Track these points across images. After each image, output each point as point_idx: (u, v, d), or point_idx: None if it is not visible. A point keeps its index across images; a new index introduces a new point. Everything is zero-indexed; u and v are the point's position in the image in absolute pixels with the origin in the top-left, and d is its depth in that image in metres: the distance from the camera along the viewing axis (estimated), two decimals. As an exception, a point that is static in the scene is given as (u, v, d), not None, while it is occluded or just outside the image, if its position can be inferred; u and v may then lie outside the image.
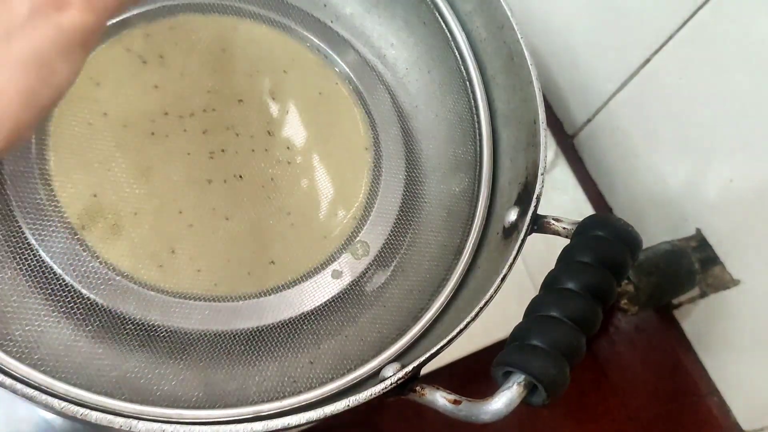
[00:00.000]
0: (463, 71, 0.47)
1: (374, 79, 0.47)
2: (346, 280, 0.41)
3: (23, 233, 0.35)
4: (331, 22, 0.49)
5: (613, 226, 0.37)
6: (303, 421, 0.32)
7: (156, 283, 0.37)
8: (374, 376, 0.35)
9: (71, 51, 0.25)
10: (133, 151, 0.39)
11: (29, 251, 0.35)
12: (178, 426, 0.30)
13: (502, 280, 0.37)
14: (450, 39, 0.48)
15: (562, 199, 0.58)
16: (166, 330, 0.36)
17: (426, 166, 0.48)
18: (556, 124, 0.62)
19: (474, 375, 0.47)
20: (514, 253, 0.38)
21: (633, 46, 0.51)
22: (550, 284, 0.35)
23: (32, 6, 0.24)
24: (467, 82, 0.47)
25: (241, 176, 0.41)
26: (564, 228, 0.39)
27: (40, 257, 0.35)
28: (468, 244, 0.41)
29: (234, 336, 0.38)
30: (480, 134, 0.46)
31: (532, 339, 0.32)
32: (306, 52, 0.47)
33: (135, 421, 0.30)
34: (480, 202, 0.43)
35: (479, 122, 0.46)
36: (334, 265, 0.41)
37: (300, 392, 0.35)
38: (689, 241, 0.50)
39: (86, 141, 0.38)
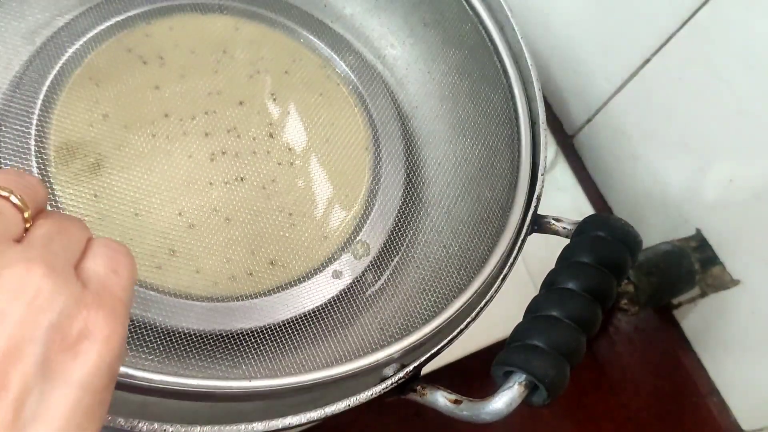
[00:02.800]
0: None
1: (374, 80, 0.48)
2: (347, 280, 0.41)
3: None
4: (331, 22, 0.49)
5: (613, 227, 0.37)
6: (303, 421, 0.32)
7: (155, 283, 0.37)
8: (375, 376, 0.35)
9: (97, 408, 0.20)
10: (133, 152, 0.39)
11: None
12: (179, 425, 0.30)
13: (503, 280, 0.37)
14: (452, 39, 0.48)
15: (562, 199, 0.58)
16: (164, 329, 0.36)
17: (426, 166, 0.48)
18: (556, 124, 0.62)
19: (474, 374, 0.47)
20: (514, 253, 0.38)
21: (633, 46, 0.51)
22: (550, 284, 0.35)
23: (43, 371, 0.19)
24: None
25: (242, 178, 0.41)
26: (564, 228, 0.39)
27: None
28: (498, 251, 0.38)
29: (234, 336, 0.38)
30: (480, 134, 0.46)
31: (532, 339, 0.32)
32: (306, 53, 0.47)
33: (136, 421, 0.30)
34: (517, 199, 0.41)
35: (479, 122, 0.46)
36: (335, 265, 0.41)
37: (300, 393, 0.35)
38: (689, 241, 0.50)
39: (86, 143, 0.38)
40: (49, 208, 0.29)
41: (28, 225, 0.22)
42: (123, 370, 0.29)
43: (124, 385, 0.30)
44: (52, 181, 0.37)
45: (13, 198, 0.22)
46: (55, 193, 0.37)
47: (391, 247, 0.43)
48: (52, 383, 0.19)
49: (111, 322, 0.21)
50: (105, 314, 0.21)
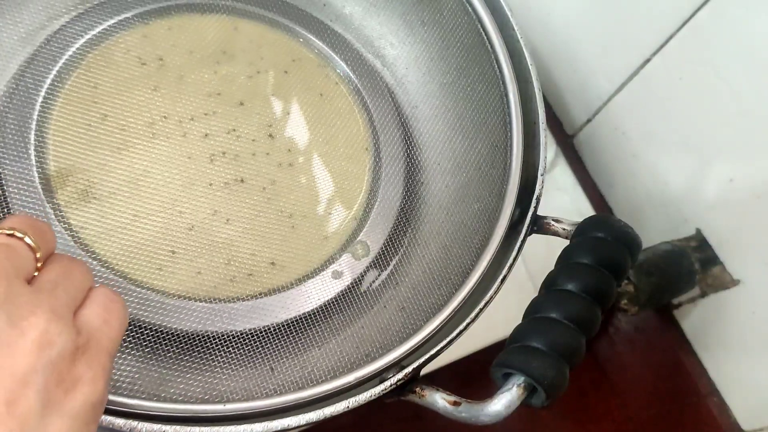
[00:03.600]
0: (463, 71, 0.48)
1: (374, 79, 0.48)
2: (347, 280, 0.41)
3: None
4: (331, 22, 0.49)
5: (613, 227, 0.37)
6: (303, 422, 0.32)
7: (155, 284, 0.37)
8: (374, 378, 0.35)
9: None
10: (133, 153, 0.39)
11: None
12: (178, 426, 0.30)
13: (502, 280, 0.37)
14: (450, 39, 0.48)
15: (562, 199, 0.58)
16: (165, 331, 0.36)
17: (426, 167, 0.48)
18: (556, 124, 0.62)
19: (474, 375, 0.47)
20: (514, 253, 0.38)
21: (633, 46, 0.51)
22: (550, 285, 0.35)
23: (43, 398, 0.22)
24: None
25: (242, 179, 0.41)
26: (564, 229, 0.39)
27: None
28: (488, 250, 0.38)
29: (234, 337, 0.38)
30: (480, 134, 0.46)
31: (531, 340, 0.32)
32: (306, 53, 0.47)
33: (135, 422, 0.30)
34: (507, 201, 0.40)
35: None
36: (335, 266, 0.41)
37: (299, 392, 0.35)
38: (689, 241, 0.50)
39: (86, 144, 0.38)
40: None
41: (39, 264, 0.25)
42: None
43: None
44: (51, 177, 0.37)
45: (27, 239, 0.24)
46: (54, 199, 0.37)
47: (391, 248, 0.43)
48: (49, 410, 0.22)
49: (96, 366, 0.24)
50: (92, 360, 0.24)
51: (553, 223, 0.39)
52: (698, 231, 0.51)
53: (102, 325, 0.25)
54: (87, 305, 0.25)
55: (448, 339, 0.35)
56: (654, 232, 0.54)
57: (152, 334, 0.36)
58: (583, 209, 0.58)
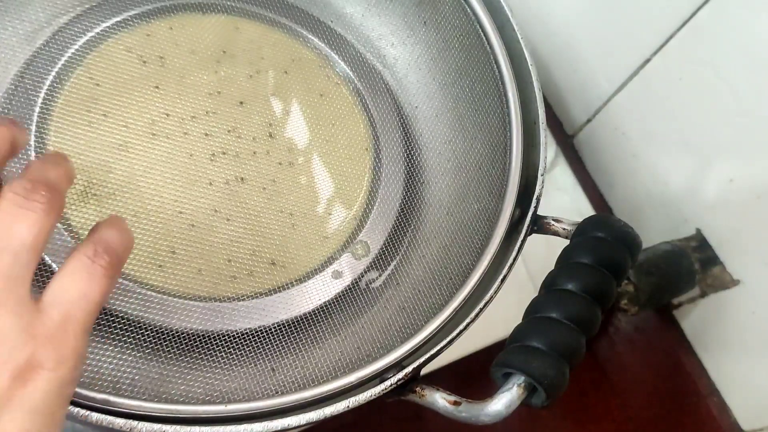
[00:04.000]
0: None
1: (374, 79, 0.48)
2: (347, 280, 0.41)
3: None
4: (331, 22, 0.49)
5: (613, 227, 0.37)
6: (303, 422, 0.32)
7: (156, 282, 0.37)
8: (374, 377, 0.35)
9: (51, 427, 0.22)
10: (133, 152, 0.39)
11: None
12: (178, 426, 0.30)
13: (502, 280, 0.37)
14: (451, 39, 0.48)
15: (562, 199, 0.58)
16: (166, 330, 0.36)
17: (426, 167, 0.48)
18: (556, 124, 0.62)
19: (474, 375, 0.47)
20: (514, 253, 0.38)
21: (633, 46, 0.51)
22: (550, 285, 0.35)
23: None
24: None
25: (242, 179, 0.41)
26: (564, 229, 0.39)
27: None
28: (488, 250, 0.38)
29: (234, 336, 0.38)
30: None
31: (531, 340, 0.32)
32: (306, 53, 0.47)
33: (135, 422, 0.30)
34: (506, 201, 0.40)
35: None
36: (335, 266, 0.41)
37: (300, 393, 0.35)
38: (689, 241, 0.50)
39: (86, 143, 0.38)
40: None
41: None
42: (101, 396, 0.30)
43: (102, 410, 0.30)
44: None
45: None
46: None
47: (391, 248, 0.43)
48: (6, 409, 0.21)
49: (63, 348, 0.22)
50: (55, 345, 0.22)
51: (553, 223, 0.39)
52: (698, 231, 0.51)
53: (78, 299, 0.22)
54: (66, 272, 0.23)
55: (448, 339, 0.35)
56: (654, 232, 0.54)
57: (153, 334, 0.36)
58: (583, 209, 0.58)
